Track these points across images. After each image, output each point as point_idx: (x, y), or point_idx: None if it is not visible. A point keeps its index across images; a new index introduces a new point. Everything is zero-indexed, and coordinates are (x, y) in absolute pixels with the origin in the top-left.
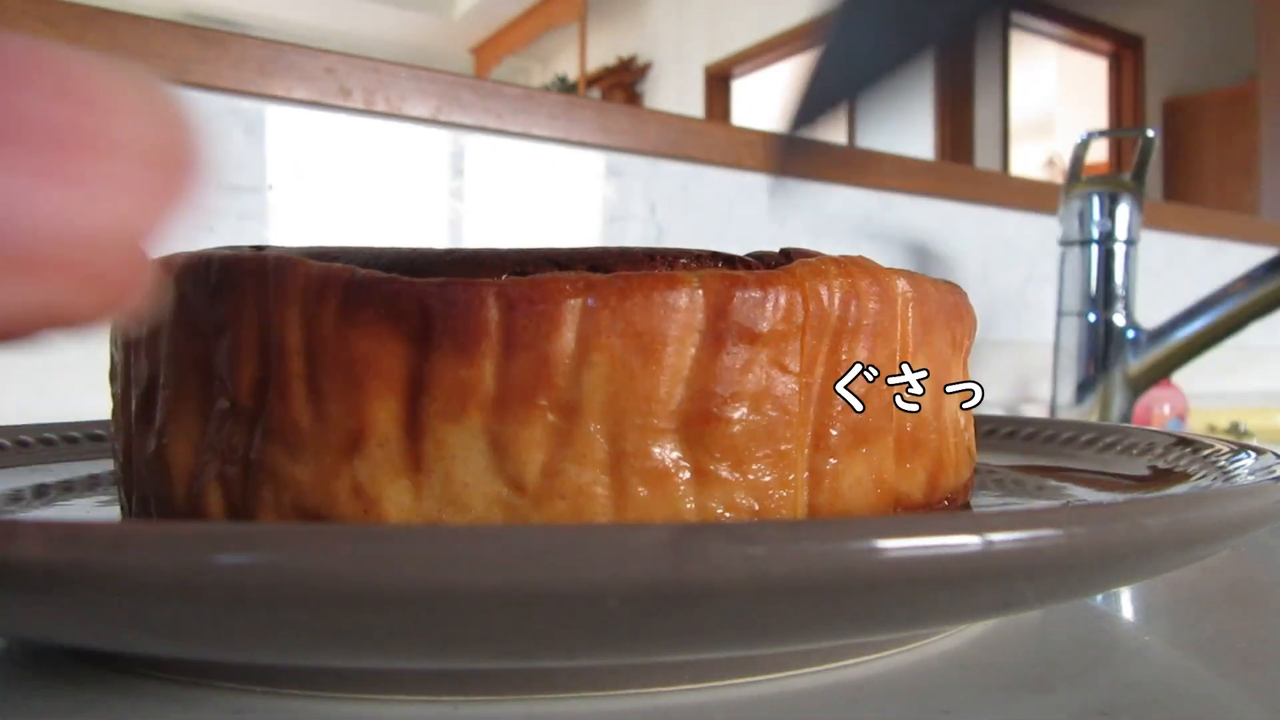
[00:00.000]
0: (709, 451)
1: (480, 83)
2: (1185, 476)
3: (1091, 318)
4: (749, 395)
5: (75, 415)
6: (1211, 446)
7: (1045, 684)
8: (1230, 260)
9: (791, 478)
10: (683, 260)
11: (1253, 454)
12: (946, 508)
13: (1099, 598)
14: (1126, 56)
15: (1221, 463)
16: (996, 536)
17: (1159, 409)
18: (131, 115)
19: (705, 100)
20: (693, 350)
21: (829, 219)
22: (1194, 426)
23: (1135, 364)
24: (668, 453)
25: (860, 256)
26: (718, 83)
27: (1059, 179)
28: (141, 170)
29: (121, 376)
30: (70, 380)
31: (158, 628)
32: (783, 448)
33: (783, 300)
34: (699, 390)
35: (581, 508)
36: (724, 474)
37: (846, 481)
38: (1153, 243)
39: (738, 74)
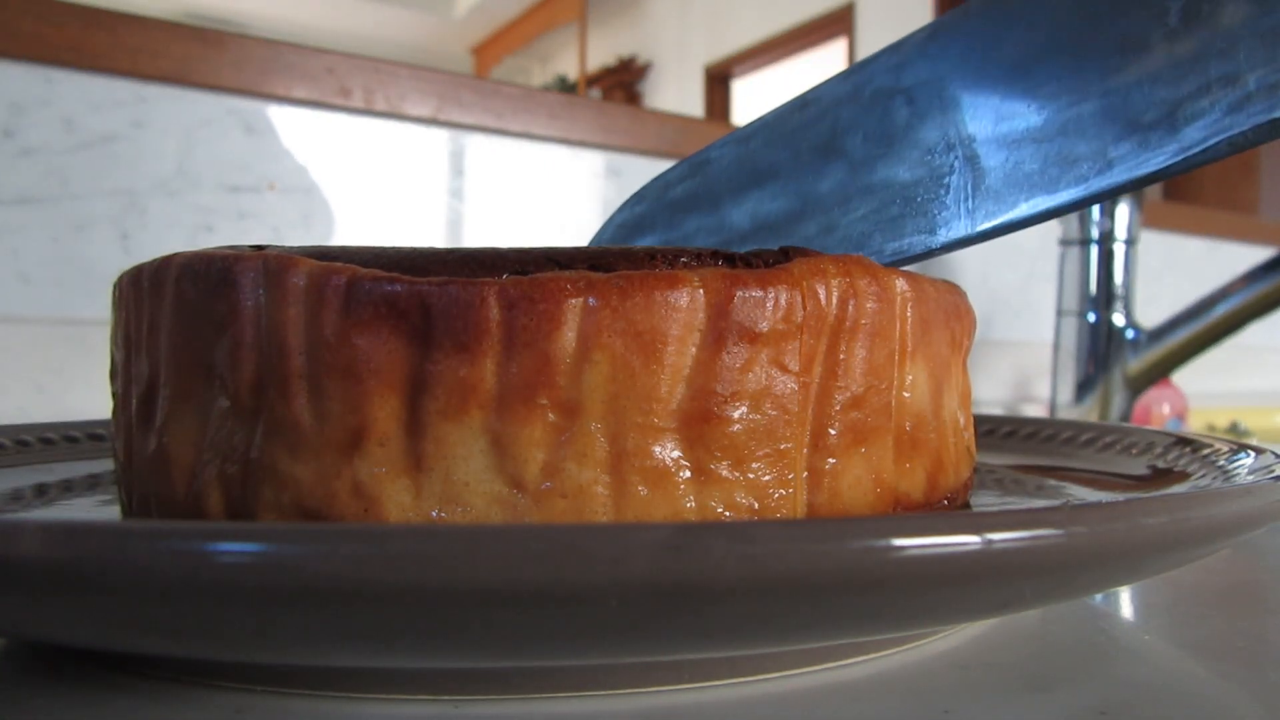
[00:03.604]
0: (709, 450)
1: (480, 83)
2: (1185, 476)
3: (1091, 317)
4: (749, 394)
5: (75, 415)
6: (1211, 446)
7: (1045, 684)
8: (1229, 260)
9: (791, 477)
10: (683, 259)
11: (1252, 454)
12: (946, 507)
13: (1099, 598)
14: None
15: (1221, 462)
16: (996, 536)
17: (1158, 408)
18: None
19: (705, 100)
20: (693, 349)
21: None
22: (1193, 426)
23: (1135, 364)
24: (668, 452)
25: (859, 255)
26: (718, 82)
27: None
28: None
29: (122, 376)
30: (70, 380)
31: (158, 628)
32: (782, 447)
33: (783, 299)
34: (699, 389)
35: (582, 506)
36: (724, 473)
37: (846, 481)
38: (1152, 242)
39: (738, 74)
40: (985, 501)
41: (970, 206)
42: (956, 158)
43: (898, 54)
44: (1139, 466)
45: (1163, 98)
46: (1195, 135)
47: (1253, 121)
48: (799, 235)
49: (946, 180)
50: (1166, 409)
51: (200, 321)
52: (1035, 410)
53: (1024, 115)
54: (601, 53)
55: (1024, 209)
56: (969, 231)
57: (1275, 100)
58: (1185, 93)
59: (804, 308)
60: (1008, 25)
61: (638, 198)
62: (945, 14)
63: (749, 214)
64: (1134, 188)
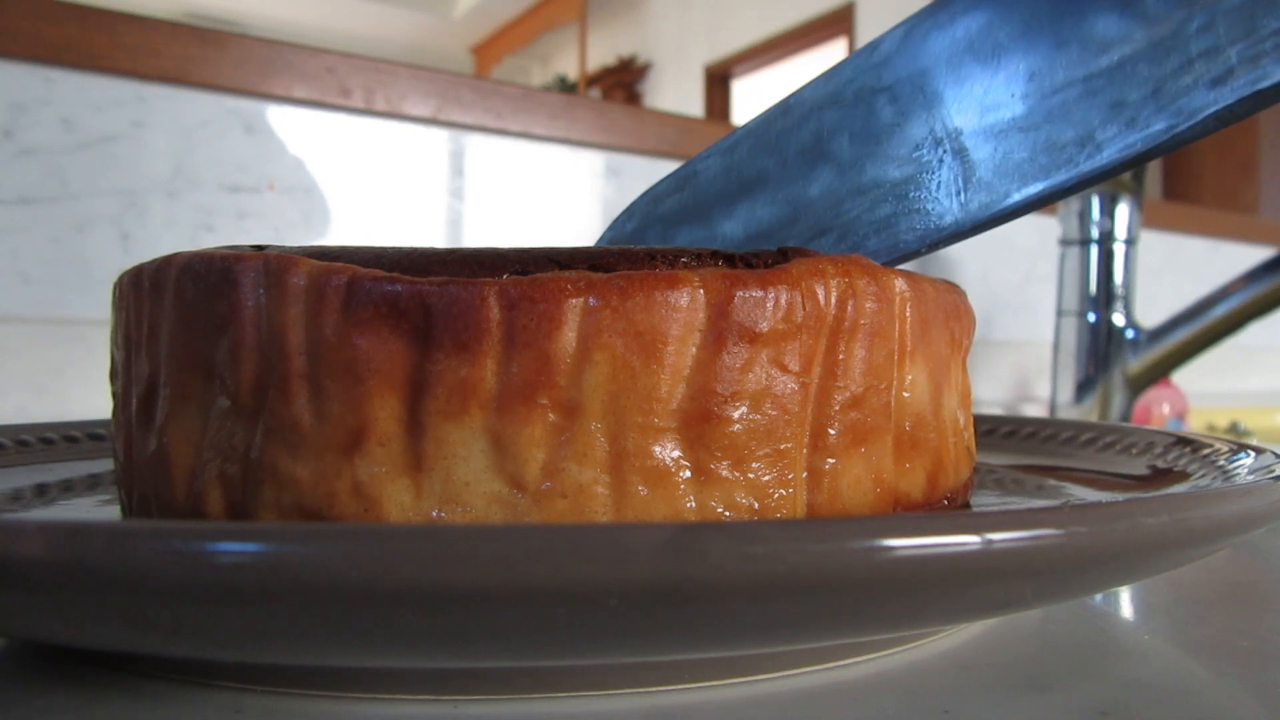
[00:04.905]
0: (709, 450)
1: (480, 82)
2: (1185, 476)
3: (1091, 317)
4: (749, 394)
5: (75, 415)
6: (1211, 446)
7: (1045, 684)
8: (1229, 260)
9: (790, 477)
10: (683, 259)
11: (1252, 453)
12: (946, 507)
13: (1099, 597)
14: None
15: (1221, 462)
16: (996, 536)
17: (1158, 408)
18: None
19: (705, 100)
20: (693, 349)
21: None
22: (1193, 426)
23: (1135, 363)
24: (668, 452)
25: (858, 255)
26: (718, 82)
27: None
28: None
29: (122, 376)
30: (70, 380)
31: (158, 628)
32: (782, 447)
33: (783, 299)
34: (699, 389)
35: (582, 506)
36: (724, 473)
37: (845, 481)
38: (1152, 242)
39: (737, 73)
40: (985, 501)
41: (963, 200)
42: (945, 152)
43: (876, 52)
44: (1139, 466)
45: (1146, 76)
46: (1182, 112)
47: (1237, 95)
48: (793, 241)
49: (937, 175)
50: (1166, 409)
51: (200, 321)
52: (1035, 410)
53: (1009, 104)
54: (601, 53)
55: (1017, 197)
56: (964, 224)
57: (1258, 73)
58: (1168, 70)
59: (803, 308)
60: (984, 15)
61: (628, 214)
62: (920, 10)
63: (741, 223)
64: (1126, 168)
